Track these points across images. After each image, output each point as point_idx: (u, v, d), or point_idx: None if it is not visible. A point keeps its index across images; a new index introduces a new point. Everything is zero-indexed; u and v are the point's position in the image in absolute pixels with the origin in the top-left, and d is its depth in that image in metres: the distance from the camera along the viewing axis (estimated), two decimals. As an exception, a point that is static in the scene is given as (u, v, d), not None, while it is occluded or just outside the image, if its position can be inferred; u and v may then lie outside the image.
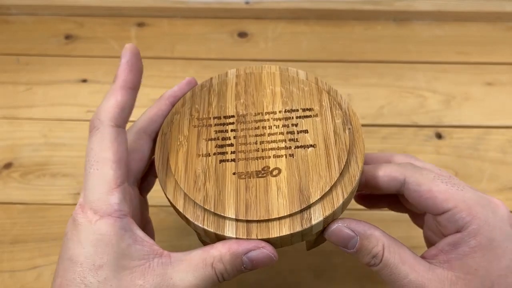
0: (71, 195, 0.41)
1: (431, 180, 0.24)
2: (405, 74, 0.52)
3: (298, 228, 0.24)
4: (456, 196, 0.23)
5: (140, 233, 0.24)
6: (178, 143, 0.27)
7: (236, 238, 0.24)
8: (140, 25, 0.58)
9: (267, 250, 0.24)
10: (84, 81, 0.51)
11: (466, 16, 0.59)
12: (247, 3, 0.59)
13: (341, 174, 0.25)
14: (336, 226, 0.25)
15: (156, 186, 0.41)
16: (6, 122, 0.47)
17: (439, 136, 0.46)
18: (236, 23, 0.59)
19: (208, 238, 0.26)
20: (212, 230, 0.24)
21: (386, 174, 0.26)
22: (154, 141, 0.29)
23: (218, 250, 0.24)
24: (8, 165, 0.43)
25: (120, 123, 0.25)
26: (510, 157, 0.44)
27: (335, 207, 0.24)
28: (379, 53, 0.55)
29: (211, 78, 0.30)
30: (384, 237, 0.24)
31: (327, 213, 0.24)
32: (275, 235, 0.24)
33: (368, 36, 0.57)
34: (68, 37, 0.56)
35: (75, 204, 0.41)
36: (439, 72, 0.53)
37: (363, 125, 0.47)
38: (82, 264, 0.22)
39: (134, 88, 0.26)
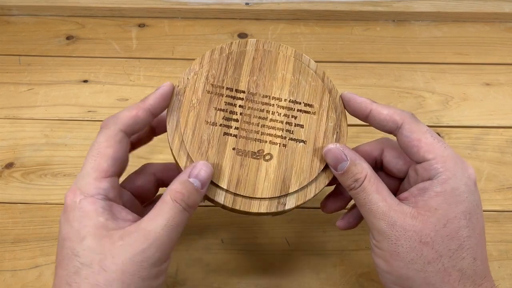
0: (72, 195, 0.41)
1: (423, 132, 0.28)
2: (403, 75, 0.53)
3: (273, 210, 0.28)
4: (438, 150, 0.27)
5: (122, 215, 0.27)
6: (191, 105, 0.29)
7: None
8: (141, 26, 0.58)
9: (204, 171, 0.27)
10: (85, 81, 0.51)
11: (464, 17, 0.59)
12: (247, 4, 0.59)
13: (319, 174, 0.29)
14: (334, 146, 0.29)
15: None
16: (7, 122, 0.47)
17: (437, 136, 0.46)
18: (236, 24, 0.59)
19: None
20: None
21: (389, 114, 0.29)
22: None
23: (169, 187, 0.26)
24: (9, 165, 0.44)
25: (129, 133, 0.28)
26: (508, 157, 0.45)
27: (306, 199, 0.29)
28: (378, 54, 0.55)
29: (231, 43, 0.32)
30: (369, 169, 0.28)
31: (299, 203, 0.29)
32: (254, 211, 0.28)
33: (367, 37, 0.57)
34: (69, 37, 0.56)
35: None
36: (437, 73, 0.53)
37: (361, 126, 0.48)
38: (71, 238, 0.25)
39: (154, 115, 0.29)
